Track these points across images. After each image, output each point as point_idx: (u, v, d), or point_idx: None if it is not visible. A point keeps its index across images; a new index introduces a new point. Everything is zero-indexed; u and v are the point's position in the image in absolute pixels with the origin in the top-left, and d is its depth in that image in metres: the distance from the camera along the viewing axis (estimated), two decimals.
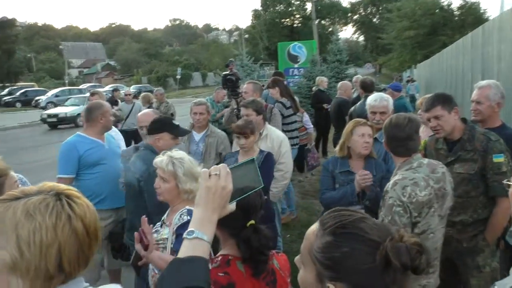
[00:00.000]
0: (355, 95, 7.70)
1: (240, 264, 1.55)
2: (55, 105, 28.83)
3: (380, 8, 55.24)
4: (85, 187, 3.52)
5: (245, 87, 4.91)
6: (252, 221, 1.55)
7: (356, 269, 0.91)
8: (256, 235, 1.53)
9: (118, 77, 60.21)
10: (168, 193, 2.32)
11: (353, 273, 0.91)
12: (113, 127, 4.04)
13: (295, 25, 48.02)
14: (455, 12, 37.14)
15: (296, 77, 14.68)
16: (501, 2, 19.95)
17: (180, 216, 2.20)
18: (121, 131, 7.69)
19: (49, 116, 20.17)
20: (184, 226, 2.08)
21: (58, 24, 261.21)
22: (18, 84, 35.48)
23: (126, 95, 9.36)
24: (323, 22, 49.09)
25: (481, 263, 2.68)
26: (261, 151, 3.54)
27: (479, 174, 2.66)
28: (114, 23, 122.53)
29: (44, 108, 28.27)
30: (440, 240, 2.38)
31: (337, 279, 0.93)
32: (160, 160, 2.33)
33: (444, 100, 2.74)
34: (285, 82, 6.53)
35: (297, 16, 48.87)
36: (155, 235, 2.34)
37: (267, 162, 3.54)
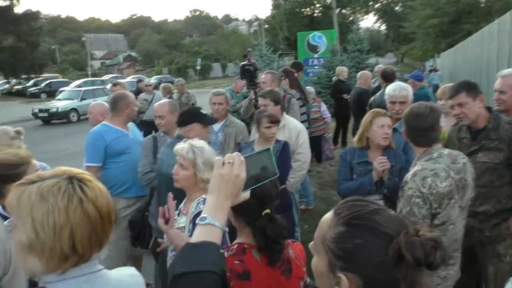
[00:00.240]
0: (375, 85, 7.60)
1: (256, 253, 1.57)
2: None
3: None
4: (112, 176, 3.65)
5: (263, 77, 4.89)
6: (268, 210, 1.56)
7: (368, 261, 0.90)
8: (272, 224, 1.54)
9: (139, 68, 60.78)
10: (185, 180, 2.34)
11: (364, 265, 0.90)
12: None
13: (315, 14, 47.41)
14: None
15: (316, 67, 14.54)
16: None
17: (197, 205, 2.22)
18: (141, 122, 7.85)
19: (40, 110, 18.78)
20: (200, 214, 2.10)
21: (81, 16, 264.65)
22: (42, 75, 36.30)
23: (146, 86, 9.45)
24: (343, 11, 48.30)
25: (501, 251, 2.64)
26: (277, 141, 3.54)
27: (505, 163, 2.60)
28: (135, 15, 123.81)
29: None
30: (461, 231, 2.34)
31: (348, 270, 0.92)
32: (181, 147, 2.36)
33: (469, 87, 2.68)
34: (299, 73, 6.46)
35: (317, 5, 48.19)
36: None
37: (285, 152, 3.54)
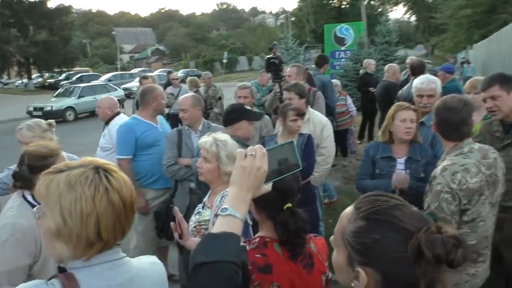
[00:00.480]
0: (405, 77, 7.43)
1: (277, 246, 1.57)
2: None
3: None
4: (142, 167, 3.75)
5: (288, 70, 4.87)
6: (289, 204, 1.55)
7: (387, 256, 0.89)
8: (293, 218, 1.53)
9: (167, 61, 61.54)
10: (209, 173, 2.37)
11: (383, 260, 0.90)
12: None
13: (342, 6, 46.60)
14: None
15: (343, 60, 14.35)
16: None
17: (221, 198, 2.24)
18: (168, 115, 7.96)
19: (35, 109, 17.41)
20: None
21: (111, 11, 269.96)
22: (74, 69, 37.26)
23: (173, 79, 9.56)
24: (372, 2, 47.20)
25: None
26: (301, 134, 3.53)
27: None
28: (163, 8, 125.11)
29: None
30: (491, 228, 2.27)
31: (366, 265, 0.92)
32: (205, 141, 2.38)
33: (502, 80, 2.59)
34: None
35: None
36: (197, 216, 2.41)
37: (310, 145, 3.53)
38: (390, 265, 0.89)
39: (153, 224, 3.69)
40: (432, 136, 3.05)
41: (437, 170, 2.20)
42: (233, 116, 3.10)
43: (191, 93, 4.01)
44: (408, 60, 9.14)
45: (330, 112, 5.37)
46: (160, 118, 4.02)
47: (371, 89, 8.42)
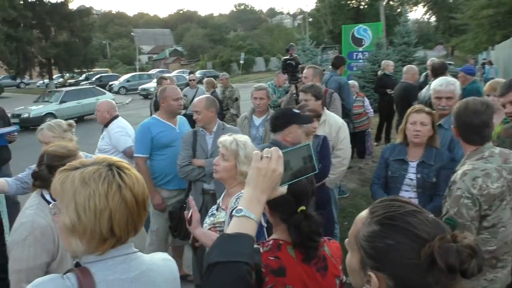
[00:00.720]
0: (423, 79, 7.33)
1: (291, 249, 1.56)
2: (127, 90, 30.49)
3: None
4: (156, 167, 3.84)
5: (305, 72, 4.85)
6: (303, 207, 1.54)
7: (399, 262, 0.89)
8: (307, 221, 1.52)
9: (185, 62, 62.01)
10: (226, 171, 2.38)
11: (395, 266, 0.89)
12: None
13: (361, 7, 46.22)
14: None
15: (360, 61, 14.20)
16: None
17: (236, 200, 2.24)
18: (185, 116, 8.01)
19: (13, 116, 14.87)
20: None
21: (131, 12, 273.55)
22: (94, 69, 37.96)
23: (190, 80, 9.63)
24: (391, 2, 46.68)
25: None
26: (316, 136, 3.51)
27: None
28: (182, 9, 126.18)
29: (117, 92, 30.03)
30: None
31: (378, 269, 0.91)
32: (225, 139, 2.41)
33: None
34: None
35: None
36: (211, 218, 2.42)
37: (325, 147, 3.51)
38: (402, 271, 0.88)
39: (168, 223, 3.73)
40: (450, 139, 3.01)
41: (457, 175, 2.16)
42: (282, 121, 2.94)
43: (205, 95, 4.05)
44: (429, 62, 9.01)
45: (346, 114, 5.33)
46: (181, 119, 4.08)
47: (388, 91, 8.33)
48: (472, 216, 2.08)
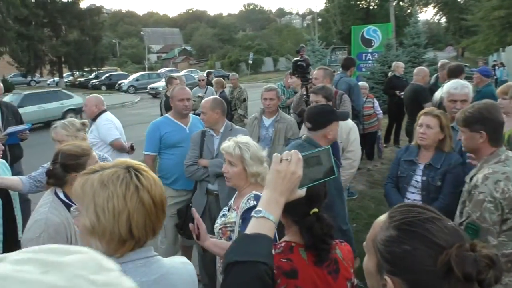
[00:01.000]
0: (433, 81, 7.27)
1: (303, 252, 1.57)
2: (136, 89, 30.65)
3: None
4: (164, 166, 3.88)
5: (315, 73, 4.84)
6: (316, 209, 1.55)
7: (415, 268, 0.89)
8: (319, 223, 1.53)
9: (193, 62, 62.20)
10: (237, 177, 2.38)
11: (411, 272, 0.89)
12: None
13: (371, 7, 46.00)
14: None
15: (370, 62, 14.14)
16: None
17: (247, 201, 2.25)
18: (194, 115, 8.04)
19: None
20: (250, 210, 2.13)
21: (140, 11, 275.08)
22: (103, 68, 38.23)
23: (199, 80, 9.64)
24: (401, 3, 46.38)
25: None
26: None
27: None
28: (191, 9, 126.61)
29: (126, 91, 30.20)
30: None
31: (394, 274, 0.92)
32: (227, 145, 2.40)
33: None
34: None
35: None
36: (223, 218, 2.43)
37: (335, 148, 3.50)
38: (418, 277, 0.88)
39: (174, 221, 3.75)
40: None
41: (478, 179, 2.15)
42: (325, 119, 2.90)
43: (212, 96, 4.06)
44: (440, 63, 8.93)
45: (355, 115, 5.31)
46: (194, 119, 4.09)
47: (398, 93, 8.28)
48: (494, 220, 2.08)
